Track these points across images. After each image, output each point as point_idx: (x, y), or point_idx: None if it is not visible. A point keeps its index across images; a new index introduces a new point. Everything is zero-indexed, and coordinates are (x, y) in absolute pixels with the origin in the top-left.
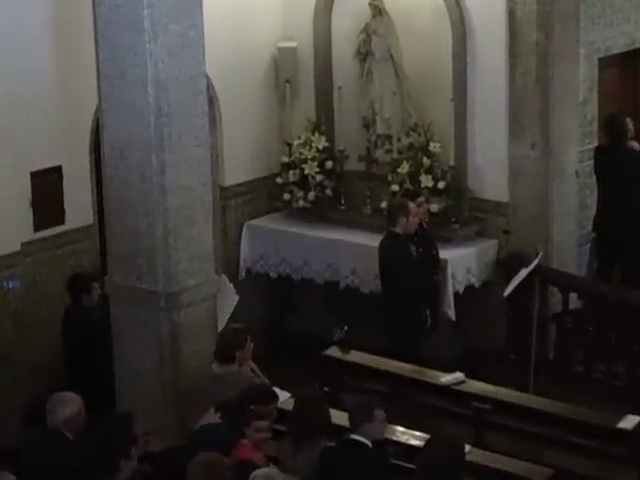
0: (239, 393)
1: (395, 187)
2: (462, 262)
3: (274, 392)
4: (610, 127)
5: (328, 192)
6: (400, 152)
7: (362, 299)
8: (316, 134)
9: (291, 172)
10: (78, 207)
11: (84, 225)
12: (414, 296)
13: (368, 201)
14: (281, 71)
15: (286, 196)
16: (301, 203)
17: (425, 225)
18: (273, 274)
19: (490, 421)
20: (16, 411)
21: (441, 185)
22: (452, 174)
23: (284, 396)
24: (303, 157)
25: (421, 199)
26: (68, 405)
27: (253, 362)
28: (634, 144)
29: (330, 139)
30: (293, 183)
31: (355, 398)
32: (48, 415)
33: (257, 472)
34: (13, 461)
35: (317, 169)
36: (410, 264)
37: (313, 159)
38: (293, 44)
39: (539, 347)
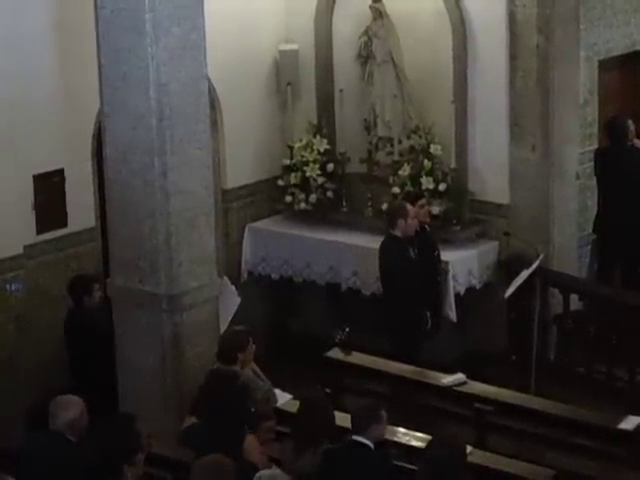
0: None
1: (396, 189)
2: (463, 264)
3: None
4: (611, 129)
5: (329, 194)
6: (401, 154)
7: (363, 301)
8: (317, 137)
9: (292, 174)
10: (80, 210)
11: (86, 228)
12: (413, 298)
13: (369, 203)
14: (282, 74)
15: (288, 198)
16: (302, 205)
17: (427, 227)
18: (275, 276)
19: (491, 422)
20: (19, 414)
21: (442, 187)
22: (453, 176)
23: (285, 398)
24: (304, 160)
25: (423, 201)
26: (70, 408)
27: (255, 364)
28: (637, 142)
29: (331, 142)
30: (295, 185)
31: (357, 400)
32: (51, 418)
33: (262, 473)
34: (16, 464)
35: (318, 171)
36: (408, 266)
37: (314, 161)
38: (294, 47)
39: (540, 348)
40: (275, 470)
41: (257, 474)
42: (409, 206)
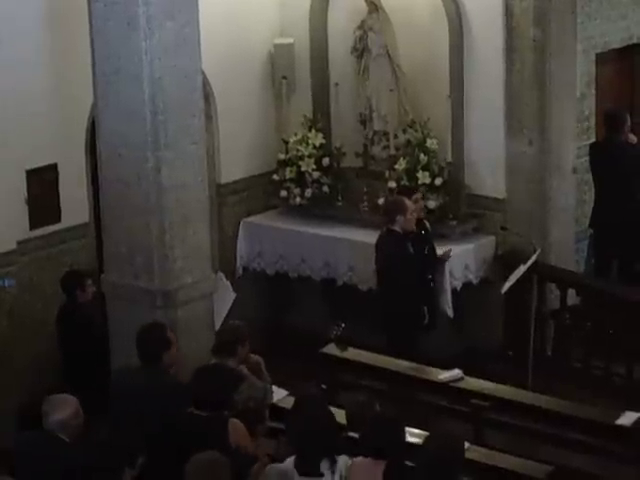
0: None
1: (392, 184)
2: (460, 259)
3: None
4: (610, 119)
5: (325, 189)
6: (397, 149)
7: (359, 296)
8: (313, 131)
9: (288, 169)
10: (74, 205)
11: (80, 223)
12: (412, 293)
13: (365, 198)
14: (277, 68)
15: (283, 193)
16: (298, 200)
17: (427, 223)
18: (270, 271)
19: (488, 418)
20: (12, 411)
21: (438, 182)
22: (449, 170)
23: (281, 394)
24: (300, 154)
25: (417, 196)
26: (63, 408)
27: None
28: (632, 137)
29: (327, 136)
30: (290, 180)
31: (353, 396)
32: (44, 418)
33: (273, 466)
34: (10, 463)
35: (314, 166)
36: (408, 261)
37: (310, 156)
38: (289, 40)
39: (537, 343)
40: (288, 465)
41: (268, 467)
42: (408, 201)
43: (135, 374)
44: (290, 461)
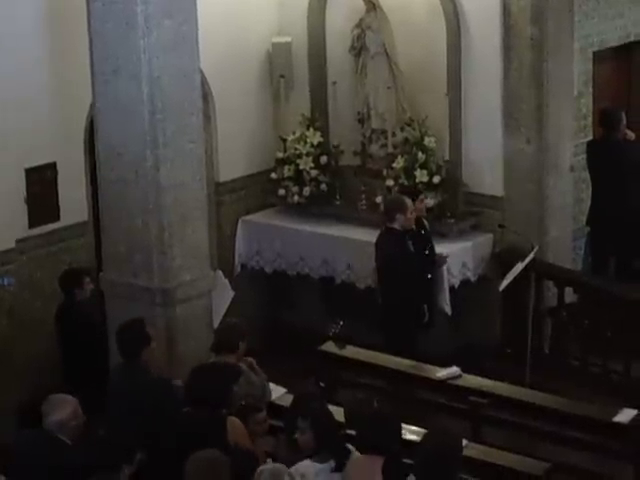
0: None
1: (390, 182)
2: (458, 256)
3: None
4: (605, 118)
5: (323, 187)
6: (395, 147)
7: (358, 294)
8: (311, 129)
9: (286, 167)
10: (73, 204)
11: (79, 222)
12: (412, 291)
13: (363, 196)
14: (275, 66)
15: (281, 191)
16: (296, 198)
17: (426, 222)
18: (268, 269)
19: (486, 415)
20: (12, 410)
21: (436, 180)
22: (447, 169)
23: (279, 392)
24: (298, 152)
25: (422, 196)
26: (62, 408)
27: (252, 358)
28: (630, 133)
29: (325, 134)
30: (288, 178)
31: (351, 394)
32: (44, 418)
33: (264, 467)
34: (9, 461)
35: (312, 164)
36: (408, 259)
37: (308, 154)
38: (287, 39)
39: (535, 341)
40: (277, 464)
41: (259, 469)
42: (409, 201)
43: (117, 371)
44: (302, 465)
